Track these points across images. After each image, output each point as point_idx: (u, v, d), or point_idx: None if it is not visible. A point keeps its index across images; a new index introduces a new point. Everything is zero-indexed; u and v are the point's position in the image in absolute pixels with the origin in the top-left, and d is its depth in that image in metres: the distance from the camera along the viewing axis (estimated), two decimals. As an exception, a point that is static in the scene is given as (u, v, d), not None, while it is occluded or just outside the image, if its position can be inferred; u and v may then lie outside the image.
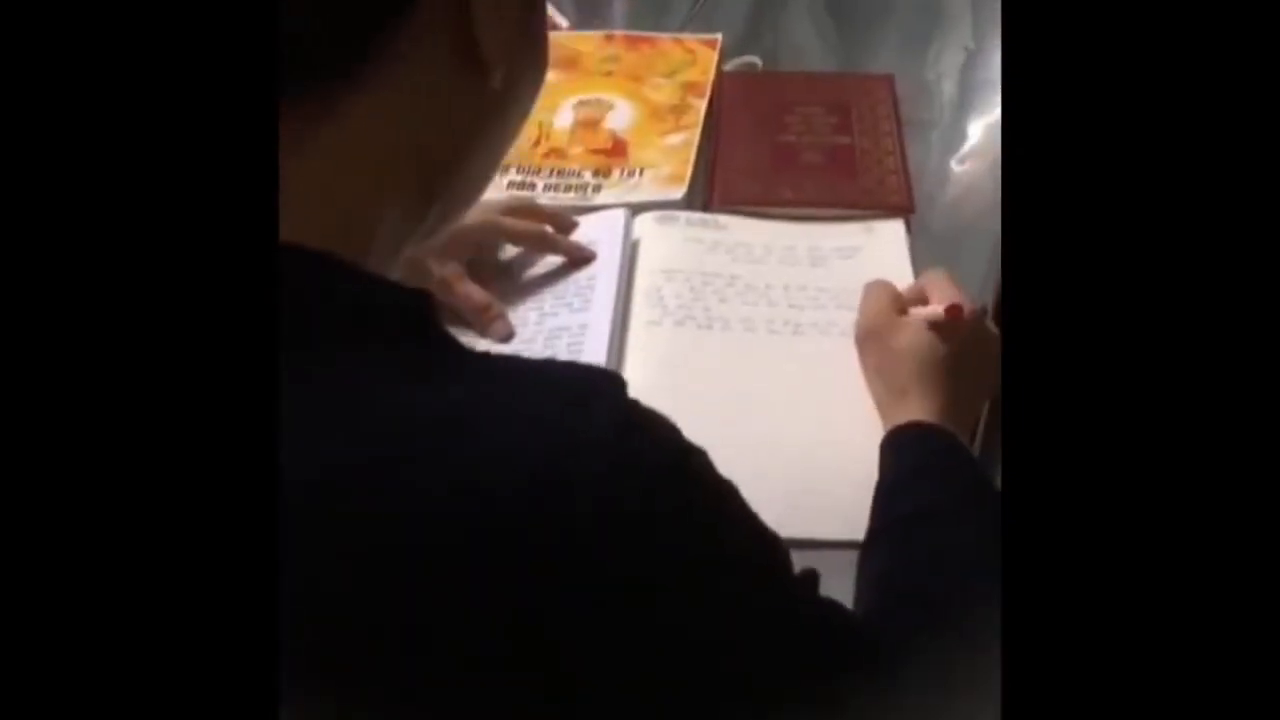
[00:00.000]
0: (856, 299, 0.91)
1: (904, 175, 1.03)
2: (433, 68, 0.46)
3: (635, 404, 0.44)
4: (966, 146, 1.12)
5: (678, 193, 1.03)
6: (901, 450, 0.73)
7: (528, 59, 0.51)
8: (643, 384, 0.80)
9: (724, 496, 0.46)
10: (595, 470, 0.40)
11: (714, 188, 1.03)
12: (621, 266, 0.92)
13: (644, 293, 0.92)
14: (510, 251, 0.96)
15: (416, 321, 0.45)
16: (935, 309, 0.78)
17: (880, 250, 0.97)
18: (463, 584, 0.39)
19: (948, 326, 0.77)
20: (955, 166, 1.09)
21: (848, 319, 0.90)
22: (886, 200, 1.01)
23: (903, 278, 0.93)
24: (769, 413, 0.82)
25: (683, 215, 1.00)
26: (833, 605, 0.51)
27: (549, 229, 0.96)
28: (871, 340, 0.79)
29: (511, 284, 0.93)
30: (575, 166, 1.08)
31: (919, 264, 0.95)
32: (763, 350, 0.87)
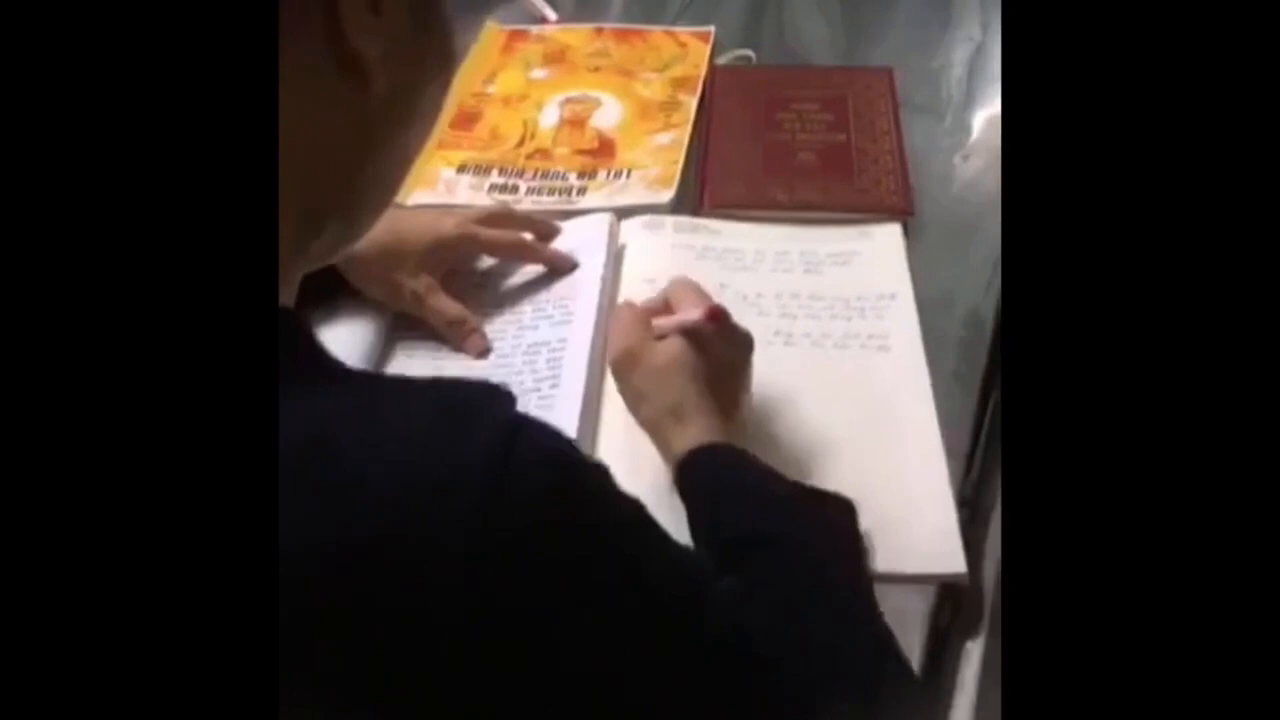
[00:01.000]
0: (851, 308, 0.87)
1: (902, 175, 0.98)
2: (305, 74, 0.43)
3: (524, 421, 0.42)
4: (971, 140, 1.07)
5: (665, 195, 0.98)
6: (703, 480, 0.68)
7: (419, 62, 0.47)
8: (616, 397, 0.79)
9: (620, 518, 0.45)
10: (471, 492, 0.39)
11: (704, 190, 0.98)
12: (605, 276, 0.88)
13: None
14: (488, 262, 0.91)
15: (284, 340, 0.42)
16: (684, 317, 0.73)
17: (876, 256, 0.92)
18: (329, 615, 0.37)
19: (704, 333, 0.72)
20: (959, 162, 1.05)
21: (842, 329, 0.86)
22: (883, 202, 0.96)
23: (900, 284, 0.89)
24: (757, 429, 0.77)
25: (670, 220, 0.95)
26: (739, 618, 0.50)
27: (529, 237, 0.92)
28: (628, 364, 0.73)
29: (489, 296, 0.89)
30: (560, 168, 1.04)
31: (917, 269, 0.91)
32: (753, 362, 0.83)
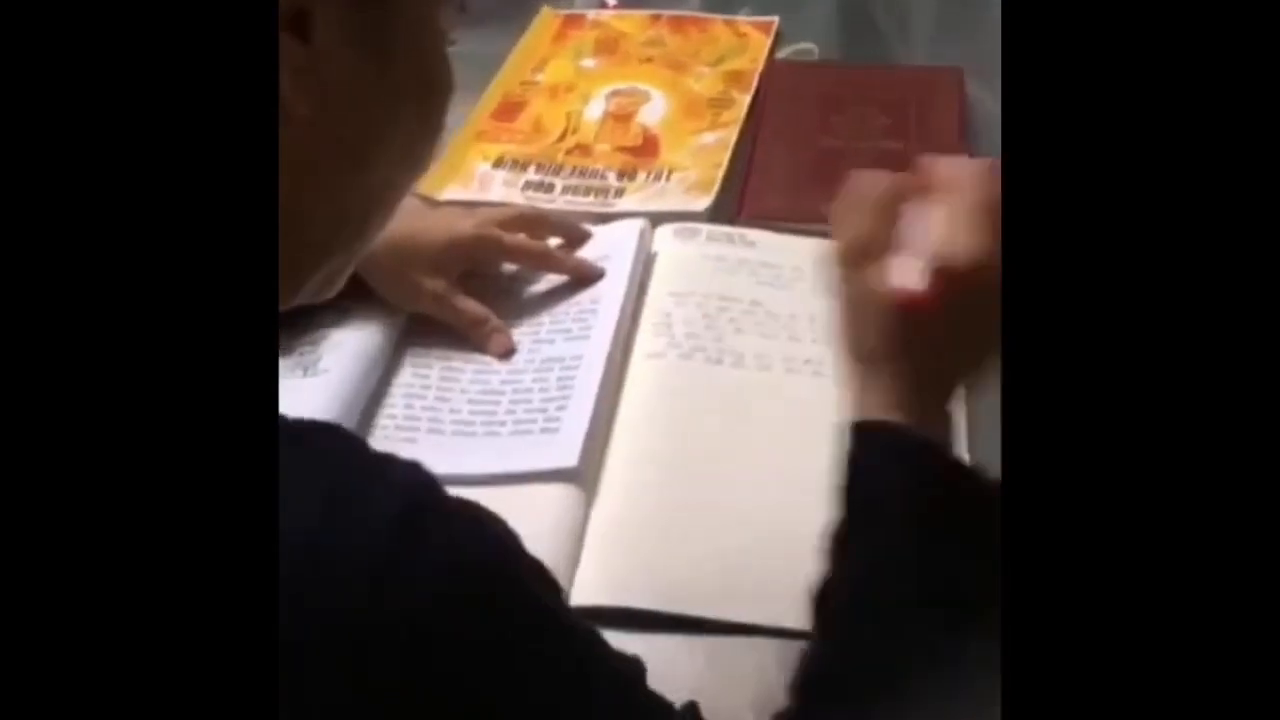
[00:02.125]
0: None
1: (959, 189, 0.92)
2: None
3: (428, 497, 0.40)
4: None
5: (703, 202, 0.93)
6: (861, 472, 0.54)
7: (374, 92, 0.43)
8: (632, 428, 0.75)
9: (533, 609, 0.42)
10: (360, 577, 0.36)
11: (744, 198, 0.93)
12: (629, 289, 0.83)
13: (652, 319, 0.83)
14: (509, 267, 0.87)
15: None
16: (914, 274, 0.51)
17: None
18: None
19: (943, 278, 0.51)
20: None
21: (878, 359, 0.80)
22: (936, 218, 0.89)
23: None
24: (777, 473, 0.72)
25: (705, 229, 0.90)
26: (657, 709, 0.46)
27: (553, 244, 0.87)
28: (851, 268, 0.54)
29: (508, 304, 0.85)
30: (600, 166, 0.99)
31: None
32: (776, 392, 0.78)
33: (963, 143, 0.97)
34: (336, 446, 0.41)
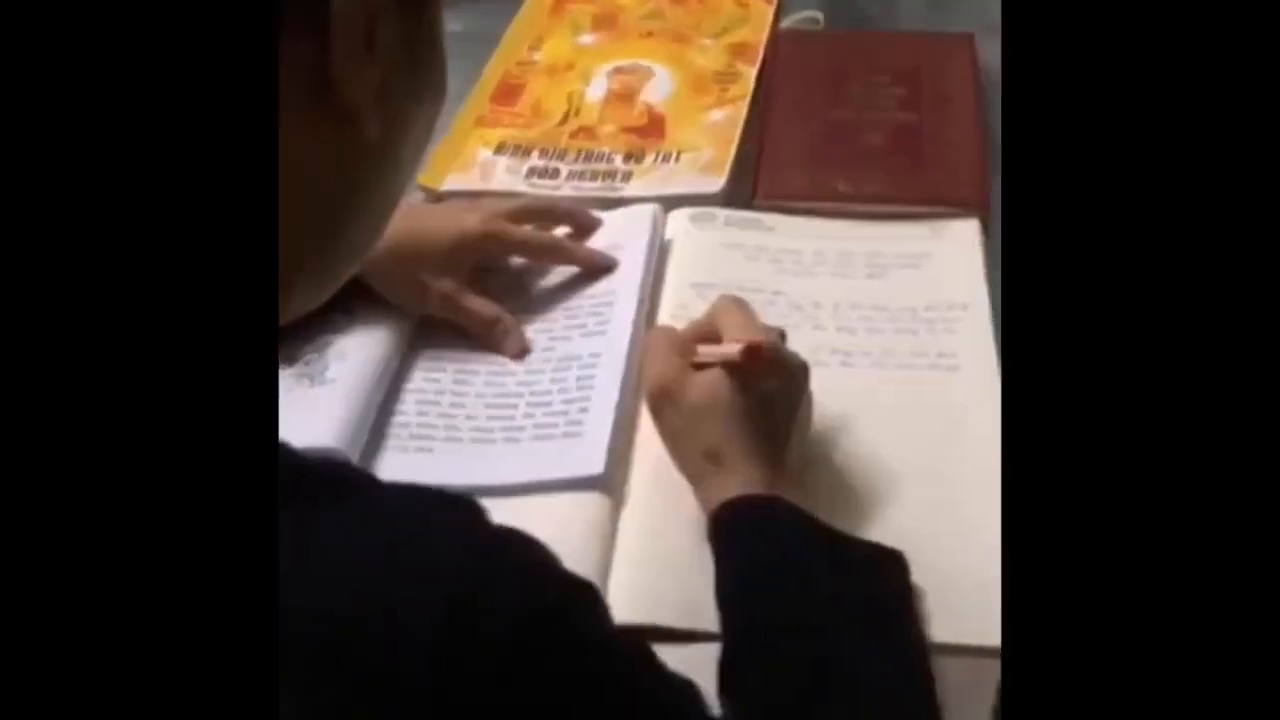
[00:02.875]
0: (919, 320, 0.79)
1: (981, 164, 0.88)
2: (292, 117, 0.37)
3: (489, 537, 0.38)
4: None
5: (716, 184, 0.89)
6: (736, 542, 0.61)
7: (412, 97, 0.42)
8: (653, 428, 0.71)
9: (597, 644, 0.40)
10: (435, 616, 0.35)
11: (759, 178, 0.90)
12: (644, 280, 0.80)
13: (671, 311, 0.80)
14: (518, 261, 0.84)
15: None
16: (727, 349, 0.64)
17: (949, 258, 0.83)
18: None
19: (754, 371, 0.63)
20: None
21: (908, 346, 0.77)
22: (958, 195, 0.86)
23: (974, 292, 0.80)
24: (809, 461, 0.69)
25: (722, 214, 0.87)
26: None
27: (563, 235, 0.84)
28: (663, 400, 0.65)
29: (519, 299, 0.82)
30: (605, 148, 0.95)
31: (995, 274, 0.81)
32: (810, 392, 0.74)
33: (979, 112, 0.94)
34: (386, 495, 0.38)
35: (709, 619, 0.62)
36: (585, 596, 0.40)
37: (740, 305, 0.69)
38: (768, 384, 0.64)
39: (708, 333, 0.68)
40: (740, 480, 0.62)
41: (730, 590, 0.59)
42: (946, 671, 0.59)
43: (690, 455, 0.65)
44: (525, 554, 0.38)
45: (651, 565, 0.65)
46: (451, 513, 0.38)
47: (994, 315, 0.78)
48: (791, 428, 0.66)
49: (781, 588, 0.57)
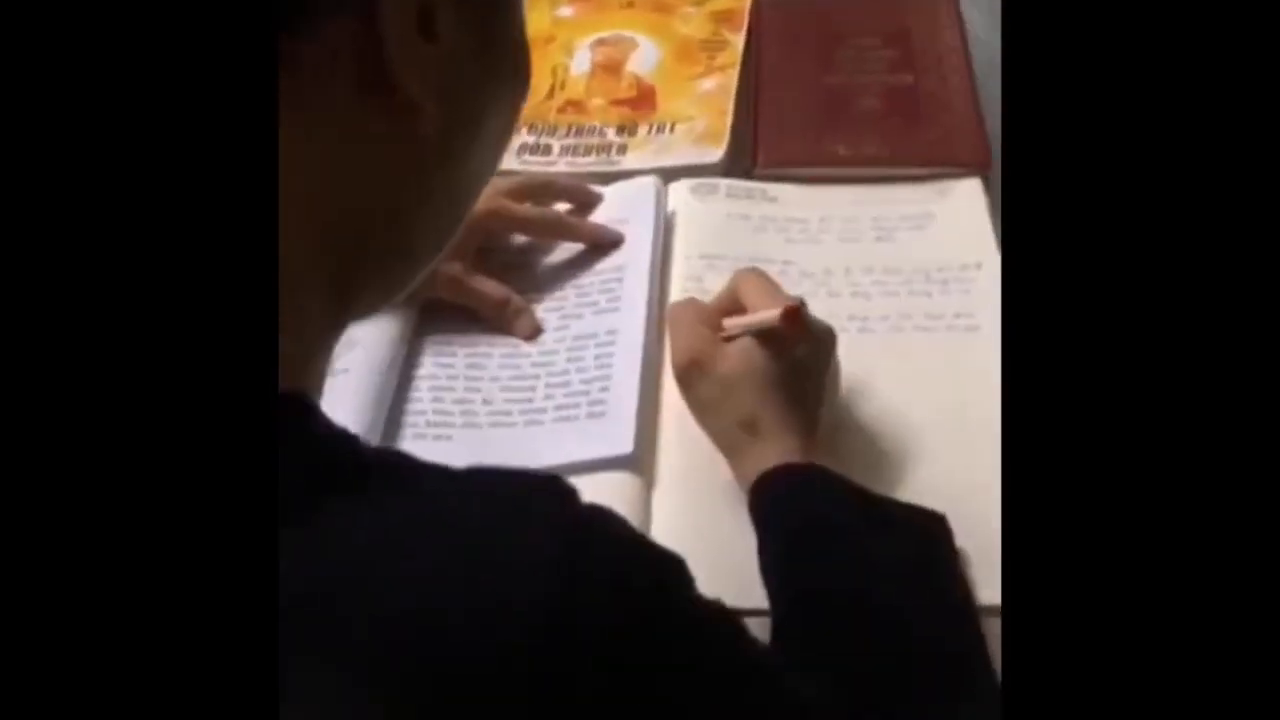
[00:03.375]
0: (932, 282, 0.78)
1: (978, 122, 0.88)
2: (333, 118, 0.35)
3: (581, 530, 0.36)
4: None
5: (715, 154, 0.88)
6: (780, 510, 0.60)
7: (484, 83, 0.40)
8: (681, 407, 0.70)
9: (697, 618, 0.39)
10: (534, 603, 0.33)
11: (758, 147, 0.88)
12: (654, 254, 0.79)
13: (682, 284, 0.79)
14: (520, 239, 0.82)
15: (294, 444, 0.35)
16: (758, 318, 0.64)
17: (956, 217, 0.82)
18: None
19: (783, 336, 0.63)
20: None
21: (924, 308, 0.77)
22: (959, 155, 0.86)
23: (985, 250, 0.79)
24: (839, 436, 0.69)
25: (724, 184, 0.86)
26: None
27: (565, 210, 0.83)
28: (694, 371, 0.64)
29: (525, 279, 0.80)
30: (596, 122, 0.94)
31: (1002, 230, 0.81)
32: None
33: (969, 70, 0.93)
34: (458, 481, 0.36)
35: (751, 597, 0.61)
36: (679, 570, 0.39)
37: (762, 276, 0.68)
38: (799, 351, 0.64)
39: (731, 305, 0.67)
40: (778, 449, 0.61)
41: (778, 559, 0.58)
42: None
43: (725, 426, 0.64)
44: (618, 531, 0.37)
45: (689, 544, 0.64)
46: (539, 496, 0.36)
47: (1006, 274, 0.78)
48: (822, 394, 0.65)
49: (831, 554, 0.57)
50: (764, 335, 0.63)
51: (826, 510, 0.59)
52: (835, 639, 0.54)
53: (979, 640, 0.56)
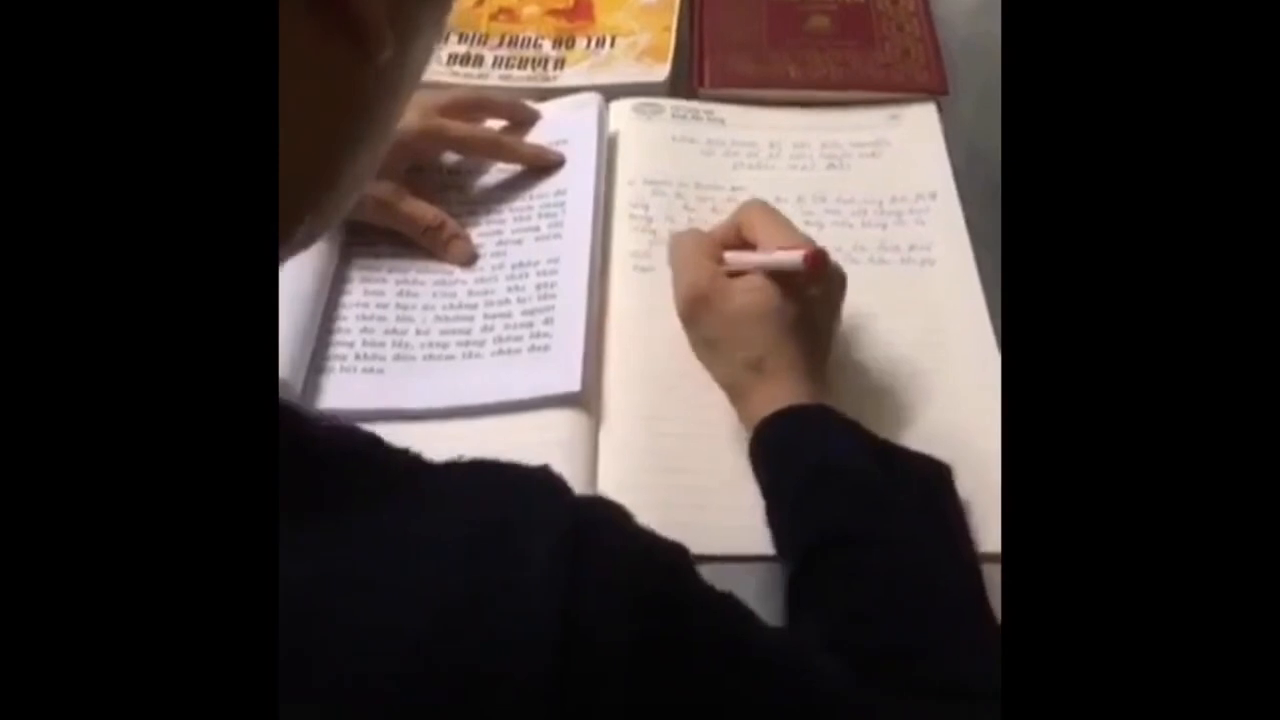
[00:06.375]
0: (886, 212, 0.75)
1: (932, 44, 0.85)
2: (290, 40, 0.31)
3: (583, 520, 0.34)
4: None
5: (660, 72, 0.84)
6: (788, 453, 0.58)
7: (423, 14, 0.37)
8: (625, 341, 0.67)
9: (706, 609, 0.37)
10: (548, 619, 0.31)
11: (703, 66, 0.84)
12: (598, 178, 0.75)
13: (627, 210, 0.74)
14: (453, 157, 0.77)
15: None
16: (776, 258, 0.61)
17: (909, 144, 0.79)
18: None
19: (799, 278, 0.60)
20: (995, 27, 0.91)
21: (877, 239, 0.74)
22: (913, 78, 0.83)
23: (940, 179, 0.77)
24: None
25: (668, 105, 0.81)
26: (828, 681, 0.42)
27: (501, 129, 0.78)
28: (699, 308, 0.61)
29: (462, 202, 0.75)
30: (531, 33, 0.88)
31: (957, 158, 0.78)
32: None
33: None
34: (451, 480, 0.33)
35: (705, 541, 0.58)
36: (686, 562, 0.37)
37: (770, 210, 0.64)
38: (812, 292, 0.61)
39: (734, 238, 0.64)
40: (787, 390, 0.58)
41: (794, 500, 0.56)
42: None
43: (731, 365, 0.61)
44: (621, 528, 0.35)
45: (639, 485, 0.61)
46: (535, 492, 0.33)
47: (962, 204, 0.75)
48: (831, 339, 0.63)
49: (851, 495, 0.55)
50: (776, 274, 0.60)
51: (839, 451, 0.56)
52: (856, 580, 0.52)
53: (983, 590, 0.54)
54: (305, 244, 0.39)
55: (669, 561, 0.36)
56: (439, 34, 0.39)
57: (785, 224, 0.63)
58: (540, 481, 0.34)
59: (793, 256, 0.59)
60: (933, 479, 0.57)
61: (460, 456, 0.35)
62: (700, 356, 0.63)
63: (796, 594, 0.53)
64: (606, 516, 0.35)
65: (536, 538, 0.32)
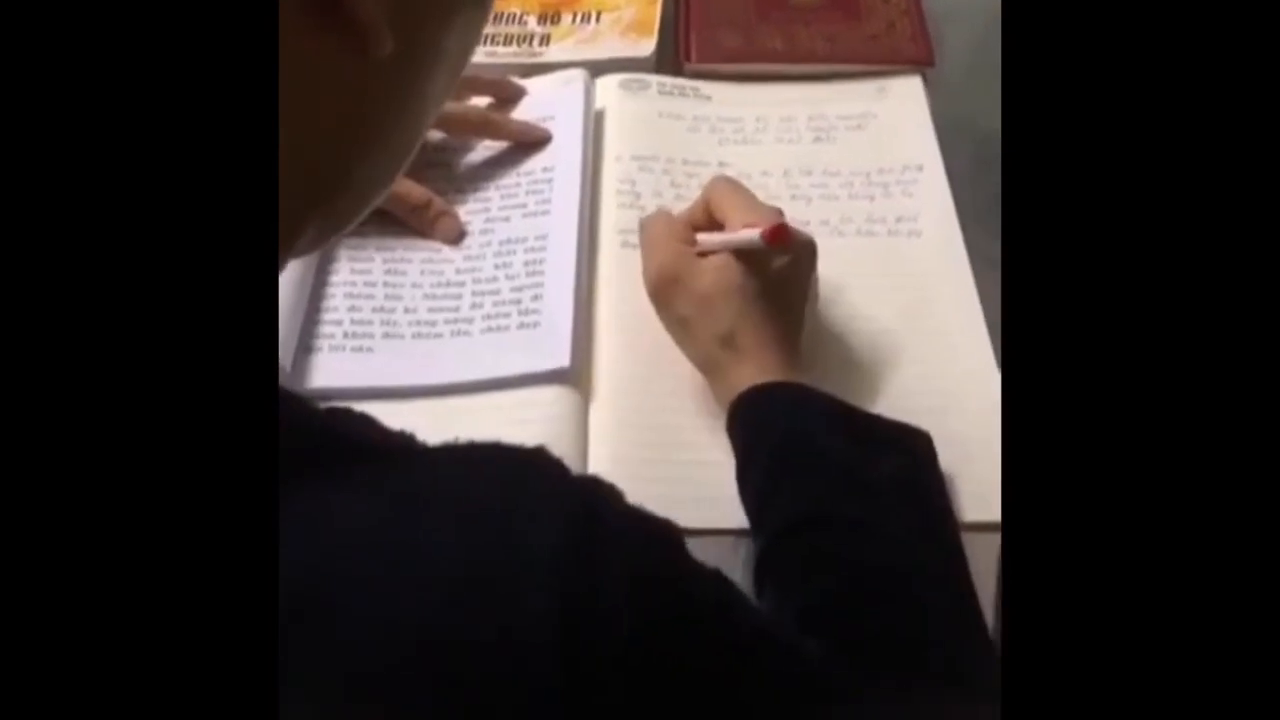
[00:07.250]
0: (873, 184, 0.75)
1: (918, 16, 0.85)
2: (285, 38, 0.31)
3: (580, 501, 0.34)
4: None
5: (646, 47, 0.84)
6: (763, 430, 0.58)
7: (437, 14, 0.36)
8: (615, 317, 0.67)
9: (698, 588, 0.37)
10: (550, 602, 0.31)
11: (688, 41, 0.84)
12: (585, 154, 0.74)
13: (615, 186, 0.74)
14: (437, 135, 0.77)
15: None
16: (737, 237, 0.60)
17: (896, 117, 0.79)
18: None
19: (764, 252, 0.60)
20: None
21: (864, 212, 0.74)
22: (899, 51, 0.83)
23: (926, 152, 0.77)
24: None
25: (654, 81, 0.81)
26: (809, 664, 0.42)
27: (487, 106, 0.78)
28: (670, 288, 0.61)
29: (448, 180, 0.75)
30: (516, 8, 0.88)
31: (942, 131, 0.78)
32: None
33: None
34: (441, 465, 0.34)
35: (695, 515, 0.58)
36: (677, 536, 0.37)
37: (736, 186, 0.64)
38: (777, 263, 0.60)
39: (703, 217, 0.64)
40: (758, 366, 0.59)
41: (761, 478, 0.56)
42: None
43: (703, 345, 0.61)
44: (617, 505, 0.35)
45: (629, 461, 0.61)
46: (534, 477, 0.34)
47: (949, 176, 0.75)
48: (804, 309, 0.63)
49: (817, 473, 0.55)
50: (742, 250, 0.60)
51: (812, 428, 0.56)
52: (826, 563, 0.52)
53: (964, 563, 0.54)
54: (319, 243, 0.39)
55: (664, 542, 0.36)
56: (463, 50, 0.39)
57: (748, 198, 0.63)
58: (539, 465, 0.34)
59: (750, 234, 0.59)
60: (912, 451, 0.57)
61: (455, 439, 0.35)
62: (674, 338, 0.63)
63: (762, 576, 0.53)
64: (604, 499, 0.35)
65: (537, 523, 0.32)
